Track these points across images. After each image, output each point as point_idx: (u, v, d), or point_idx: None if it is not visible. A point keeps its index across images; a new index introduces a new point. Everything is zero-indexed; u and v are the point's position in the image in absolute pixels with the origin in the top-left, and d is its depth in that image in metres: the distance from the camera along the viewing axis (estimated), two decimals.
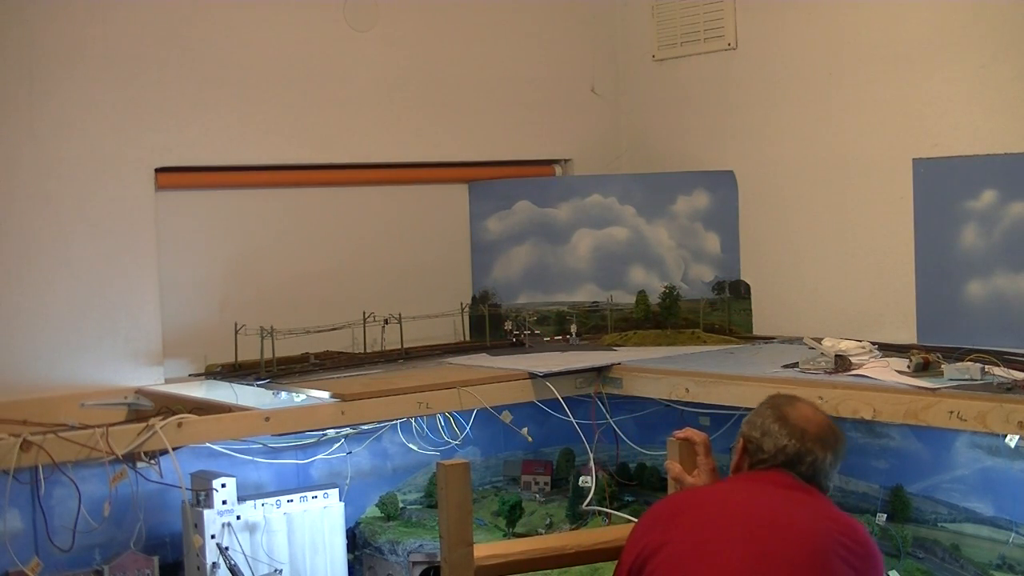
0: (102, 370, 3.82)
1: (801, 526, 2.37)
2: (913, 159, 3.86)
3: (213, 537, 3.50)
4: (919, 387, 3.18)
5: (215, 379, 3.94)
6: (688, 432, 2.71)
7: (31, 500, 3.36)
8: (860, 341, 3.73)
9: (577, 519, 3.95)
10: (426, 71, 4.51)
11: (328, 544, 3.75)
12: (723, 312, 4.50)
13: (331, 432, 3.93)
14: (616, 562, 2.54)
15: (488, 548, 2.69)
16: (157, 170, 3.95)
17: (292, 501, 3.69)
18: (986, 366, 3.24)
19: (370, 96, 4.38)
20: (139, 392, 3.84)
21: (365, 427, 3.97)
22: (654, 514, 2.52)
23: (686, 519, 2.42)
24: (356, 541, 4.01)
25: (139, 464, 3.46)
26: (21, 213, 3.71)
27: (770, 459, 2.52)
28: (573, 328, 4.52)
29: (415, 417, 3.97)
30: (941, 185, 3.79)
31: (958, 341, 3.65)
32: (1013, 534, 3.37)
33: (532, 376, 3.80)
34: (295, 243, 4.27)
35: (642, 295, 4.55)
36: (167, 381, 3.93)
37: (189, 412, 3.39)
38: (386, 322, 4.21)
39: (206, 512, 3.50)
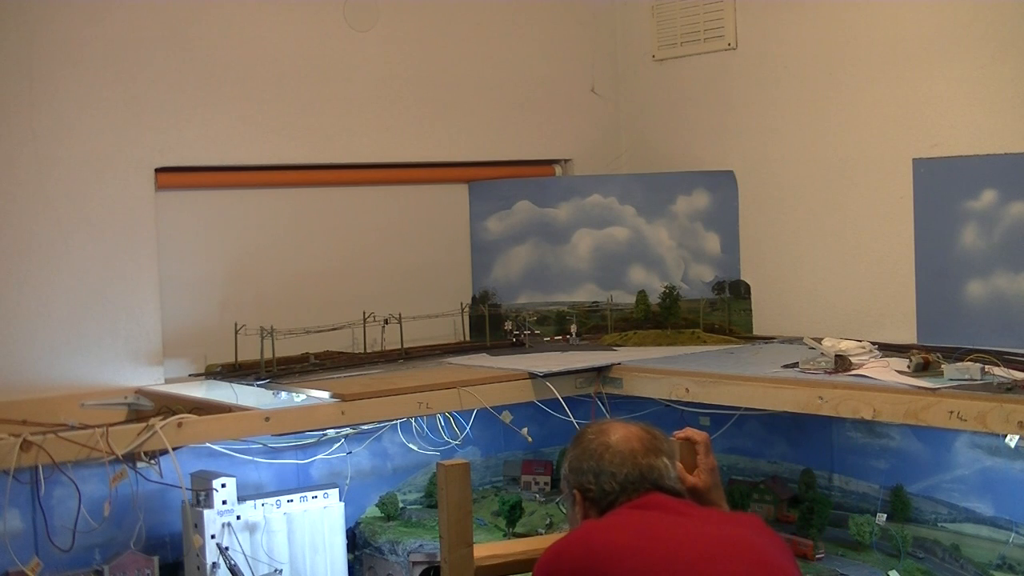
0: (102, 370, 3.82)
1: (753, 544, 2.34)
2: (913, 159, 3.86)
3: (213, 537, 3.50)
4: (919, 387, 3.18)
5: (215, 379, 3.94)
6: (688, 432, 2.68)
7: (31, 500, 3.36)
8: (860, 341, 3.73)
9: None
10: (426, 71, 4.51)
11: (328, 544, 3.75)
12: (723, 312, 4.50)
13: (331, 432, 3.93)
14: None
15: (488, 548, 2.69)
16: (157, 170, 3.95)
17: (292, 501, 3.70)
18: (986, 366, 3.24)
19: (370, 96, 4.38)
20: (139, 392, 3.84)
21: (365, 427, 3.97)
22: (585, 570, 2.27)
23: (654, 564, 2.23)
24: (356, 541, 4.01)
25: (139, 464, 3.46)
26: (21, 213, 3.71)
27: (619, 493, 2.42)
28: (573, 328, 4.52)
29: (415, 417, 3.97)
30: (941, 185, 3.79)
31: (958, 341, 3.65)
32: (1013, 534, 3.37)
33: (532, 376, 3.80)
34: (295, 243, 4.27)
35: (642, 295, 4.55)
36: (167, 381, 3.93)
37: (189, 412, 3.39)
38: (386, 322, 4.21)
39: (206, 512, 3.50)
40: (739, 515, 2.57)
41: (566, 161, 4.86)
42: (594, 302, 4.60)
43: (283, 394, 3.68)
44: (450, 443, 4.20)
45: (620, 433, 2.47)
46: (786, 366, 3.64)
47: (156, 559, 3.54)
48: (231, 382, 3.86)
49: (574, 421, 3.86)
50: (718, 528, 2.34)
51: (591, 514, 2.44)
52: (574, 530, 2.43)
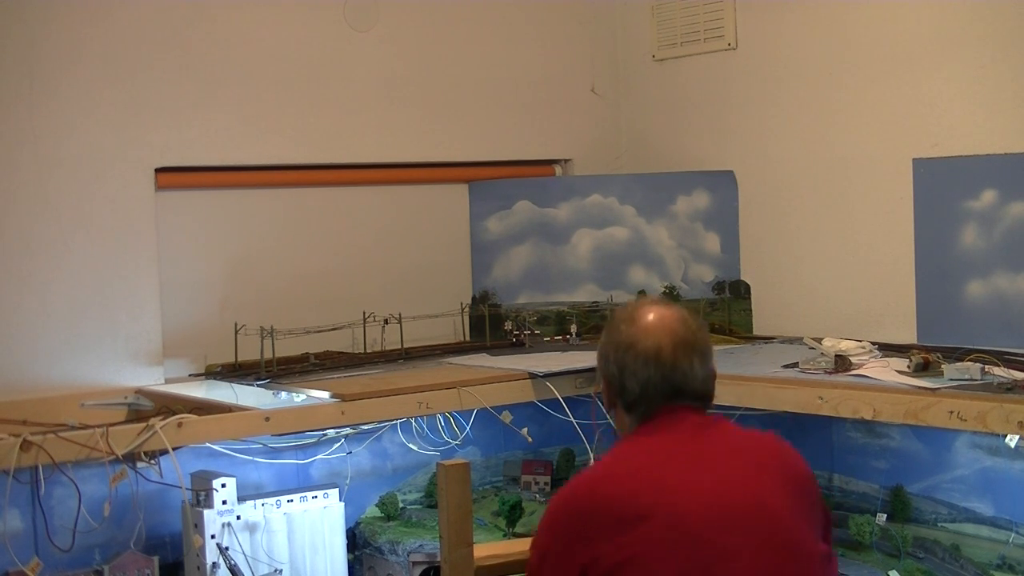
0: (102, 370, 3.82)
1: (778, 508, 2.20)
2: (913, 159, 3.86)
3: (213, 537, 3.50)
4: (919, 387, 3.18)
5: (215, 379, 3.94)
6: None
7: (31, 500, 3.36)
8: (860, 341, 3.73)
9: None
10: (426, 71, 4.51)
11: (328, 544, 3.75)
12: (723, 312, 4.50)
13: (331, 432, 3.93)
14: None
15: (488, 548, 2.69)
16: (157, 170, 3.95)
17: (292, 501, 3.70)
18: (986, 366, 3.24)
19: (370, 96, 4.38)
20: (139, 392, 3.83)
21: (365, 427, 3.97)
22: (590, 516, 2.18)
23: (656, 528, 2.12)
24: (356, 541, 4.01)
25: (139, 464, 3.46)
26: (21, 213, 3.71)
27: (641, 397, 2.31)
28: (573, 328, 4.52)
29: (415, 417, 3.97)
30: (941, 185, 3.79)
31: (958, 341, 3.65)
32: (1013, 534, 3.37)
33: (532, 376, 3.80)
34: (295, 243, 4.27)
35: (642, 295, 4.55)
36: (167, 381, 3.93)
37: (189, 412, 3.39)
38: (386, 322, 4.21)
39: (206, 512, 3.50)
40: (758, 446, 2.34)
41: (566, 161, 4.86)
42: (594, 302, 4.60)
43: (283, 394, 3.68)
44: (450, 443, 4.20)
45: (652, 324, 2.33)
46: (786, 366, 3.64)
47: (156, 559, 3.55)
48: (231, 382, 3.86)
49: (574, 421, 3.86)
50: (736, 486, 2.20)
51: (617, 401, 2.37)
52: (585, 473, 2.32)
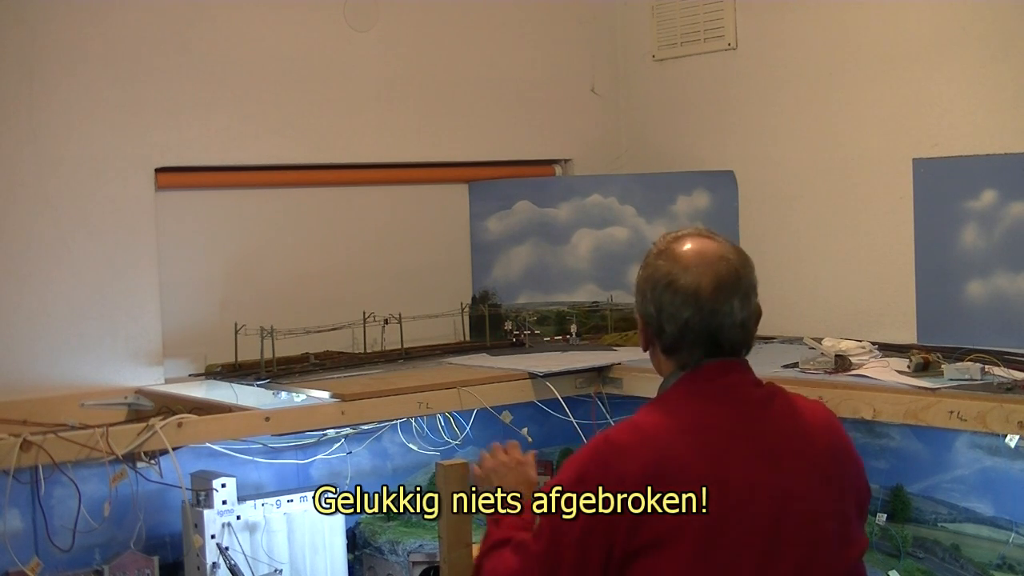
0: (102, 370, 3.82)
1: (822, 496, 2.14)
2: (913, 159, 3.86)
3: (213, 537, 3.50)
4: (919, 387, 3.18)
5: (215, 379, 3.94)
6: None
7: (31, 500, 3.36)
8: (860, 341, 3.73)
9: None
10: (426, 71, 4.51)
11: (328, 544, 3.75)
12: None
13: (331, 432, 3.93)
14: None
15: None
16: (157, 170, 3.95)
17: (292, 501, 3.69)
18: (986, 366, 3.24)
19: (370, 96, 4.38)
20: (139, 392, 3.83)
21: (365, 427, 3.97)
22: (620, 478, 2.05)
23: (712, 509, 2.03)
24: (356, 541, 4.01)
25: (139, 464, 3.46)
26: (21, 213, 3.71)
27: (681, 340, 2.19)
28: (573, 328, 4.52)
29: (415, 417, 3.96)
30: (941, 185, 3.79)
31: (958, 341, 3.65)
32: (1013, 534, 3.37)
33: (532, 376, 3.80)
34: (295, 243, 4.27)
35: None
36: (167, 381, 3.93)
37: (189, 412, 3.39)
38: (386, 322, 4.20)
39: (206, 512, 3.50)
40: (811, 431, 2.24)
41: (566, 161, 4.86)
42: (594, 302, 4.60)
43: (283, 394, 3.68)
44: (450, 443, 4.20)
45: (694, 259, 2.20)
46: (786, 366, 3.64)
47: (156, 559, 3.54)
48: (231, 382, 3.86)
49: (574, 421, 3.86)
50: (774, 470, 2.12)
51: (654, 342, 2.25)
52: (604, 439, 2.16)
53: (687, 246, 2.25)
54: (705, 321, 2.18)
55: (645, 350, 2.32)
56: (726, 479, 2.08)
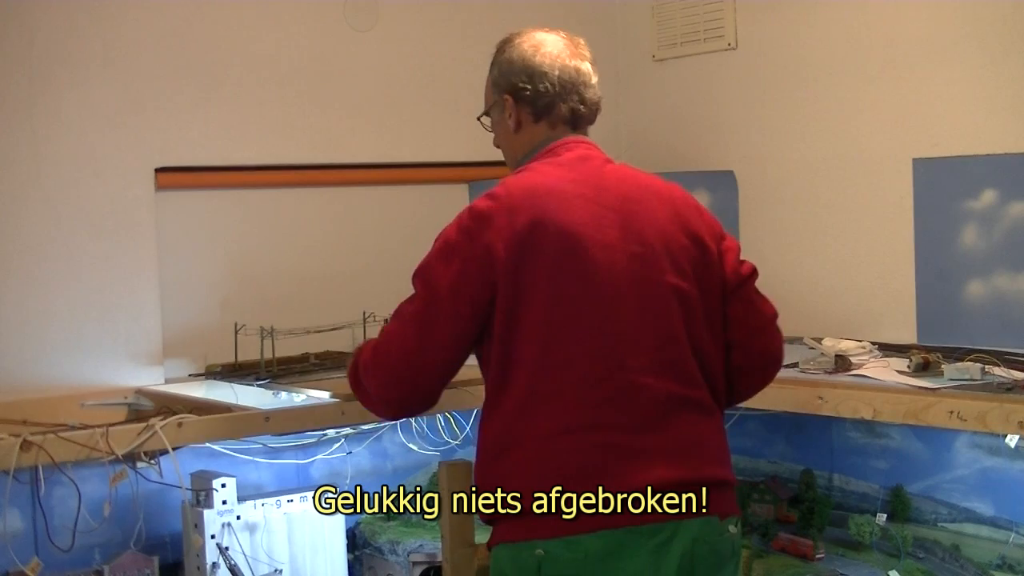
0: (102, 370, 3.82)
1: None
2: (913, 159, 3.86)
3: (213, 537, 3.50)
4: (919, 387, 3.19)
5: (215, 379, 3.94)
6: None
7: (31, 500, 3.36)
8: (860, 341, 3.73)
9: None
10: (426, 71, 4.51)
11: (328, 544, 3.75)
12: None
13: (331, 432, 3.93)
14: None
15: None
16: (157, 170, 3.94)
17: (292, 501, 3.70)
18: (986, 366, 3.24)
19: (370, 96, 4.38)
20: (139, 392, 3.83)
21: (365, 427, 3.97)
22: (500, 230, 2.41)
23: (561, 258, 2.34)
24: (356, 541, 4.01)
25: (139, 464, 3.46)
26: (21, 213, 3.71)
27: (553, 97, 2.52)
28: None
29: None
30: (941, 185, 3.79)
31: (958, 341, 3.65)
32: (1013, 534, 3.37)
33: None
34: (295, 243, 4.27)
35: None
36: (167, 381, 3.93)
37: (189, 412, 3.39)
38: (386, 322, 4.19)
39: (206, 512, 3.50)
40: (655, 187, 2.67)
41: None
42: None
43: (283, 394, 3.68)
44: (450, 443, 4.20)
45: (547, 34, 2.62)
46: (786, 366, 3.63)
47: (156, 559, 3.55)
48: (231, 382, 3.86)
49: None
50: (624, 230, 2.44)
51: (525, 117, 2.54)
52: (488, 194, 2.48)
53: (537, 31, 2.66)
54: (572, 79, 2.53)
55: (506, 138, 2.60)
56: (583, 237, 2.37)
